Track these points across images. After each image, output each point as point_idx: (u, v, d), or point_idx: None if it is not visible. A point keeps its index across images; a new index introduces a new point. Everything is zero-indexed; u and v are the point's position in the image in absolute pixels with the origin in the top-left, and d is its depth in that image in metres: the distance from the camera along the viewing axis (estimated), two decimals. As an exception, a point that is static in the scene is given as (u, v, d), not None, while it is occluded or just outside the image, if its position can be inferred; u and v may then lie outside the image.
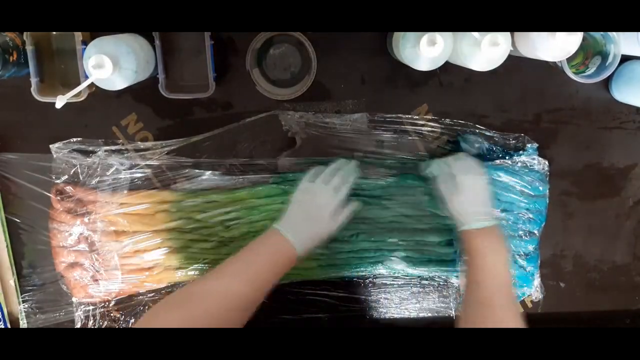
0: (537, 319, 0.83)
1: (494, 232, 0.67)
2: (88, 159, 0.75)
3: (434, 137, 0.78)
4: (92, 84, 0.62)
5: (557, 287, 0.83)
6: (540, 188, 0.76)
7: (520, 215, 0.76)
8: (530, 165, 0.76)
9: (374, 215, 0.76)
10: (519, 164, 0.76)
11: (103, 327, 0.78)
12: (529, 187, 0.75)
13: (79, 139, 0.75)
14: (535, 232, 0.77)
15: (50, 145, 0.75)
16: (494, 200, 0.73)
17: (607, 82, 0.76)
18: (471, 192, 0.69)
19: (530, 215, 0.76)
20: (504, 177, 0.75)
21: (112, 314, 0.78)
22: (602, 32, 0.70)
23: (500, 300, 0.62)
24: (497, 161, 0.76)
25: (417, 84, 0.76)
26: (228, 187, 0.76)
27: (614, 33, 0.69)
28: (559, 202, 0.81)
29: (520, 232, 0.77)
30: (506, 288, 0.64)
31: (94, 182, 0.75)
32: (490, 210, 0.69)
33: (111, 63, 0.59)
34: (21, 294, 0.77)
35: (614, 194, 0.81)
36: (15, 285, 0.76)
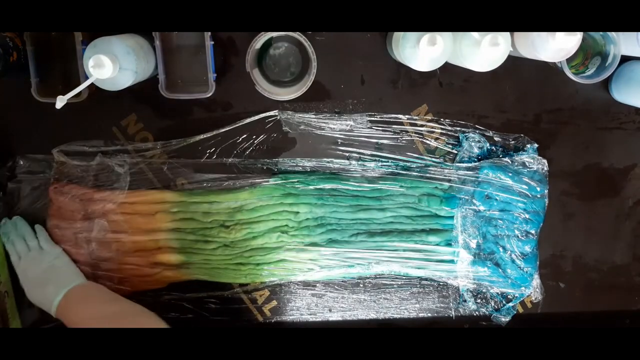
0: (537, 319, 0.83)
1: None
2: (88, 159, 0.75)
3: (434, 137, 0.78)
4: (92, 85, 0.62)
5: (557, 288, 0.83)
6: (538, 189, 0.76)
7: (517, 215, 0.76)
8: (530, 166, 0.76)
9: (373, 216, 0.76)
10: (519, 164, 0.76)
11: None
12: (528, 187, 0.75)
13: (79, 140, 0.75)
14: (533, 232, 0.77)
15: (53, 150, 0.75)
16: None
17: (606, 82, 0.76)
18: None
19: (527, 216, 0.76)
20: (503, 177, 0.75)
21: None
22: (602, 32, 0.70)
23: None
24: (497, 161, 0.76)
25: (417, 84, 0.77)
26: (228, 188, 0.76)
27: (614, 33, 0.69)
28: (558, 202, 0.81)
29: (517, 232, 0.77)
30: None
31: (93, 182, 0.75)
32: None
33: (111, 63, 0.59)
34: (18, 294, 0.77)
35: (613, 194, 0.81)
36: (12, 284, 0.76)
